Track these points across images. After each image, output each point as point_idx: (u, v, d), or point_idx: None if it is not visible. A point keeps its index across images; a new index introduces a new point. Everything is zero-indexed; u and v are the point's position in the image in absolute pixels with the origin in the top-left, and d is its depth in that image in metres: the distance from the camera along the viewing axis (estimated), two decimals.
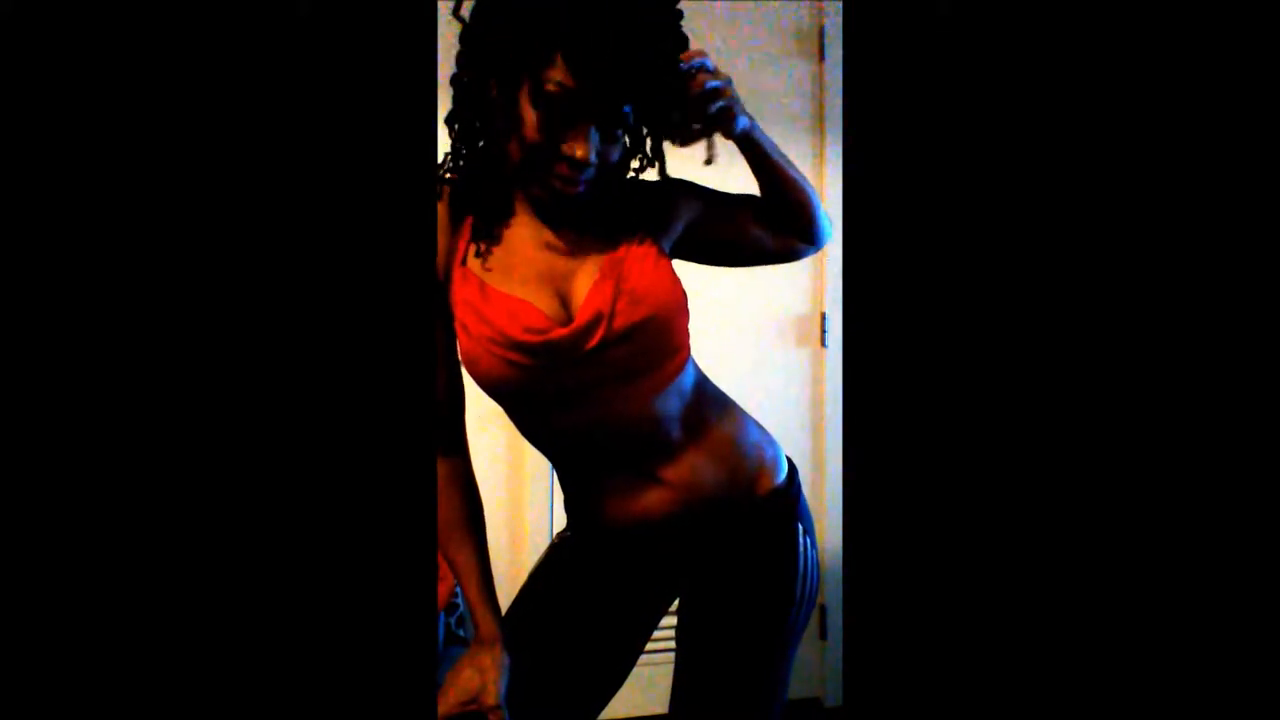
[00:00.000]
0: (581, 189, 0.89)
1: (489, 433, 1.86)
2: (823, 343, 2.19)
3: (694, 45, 0.90)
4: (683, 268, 0.98)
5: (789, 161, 1.01)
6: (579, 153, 0.86)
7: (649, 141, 0.95)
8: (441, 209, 0.96)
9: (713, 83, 0.87)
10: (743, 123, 0.93)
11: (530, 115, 0.86)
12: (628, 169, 0.98)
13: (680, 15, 0.88)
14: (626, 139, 0.92)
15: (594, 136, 0.86)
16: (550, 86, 0.84)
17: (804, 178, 1.02)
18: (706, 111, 0.88)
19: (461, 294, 0.93)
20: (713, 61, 0.89)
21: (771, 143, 0.99)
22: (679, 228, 1.01)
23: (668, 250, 1.00)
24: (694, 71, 0.87)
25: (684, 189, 1.03)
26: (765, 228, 1.04)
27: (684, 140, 0.93)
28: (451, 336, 0.96)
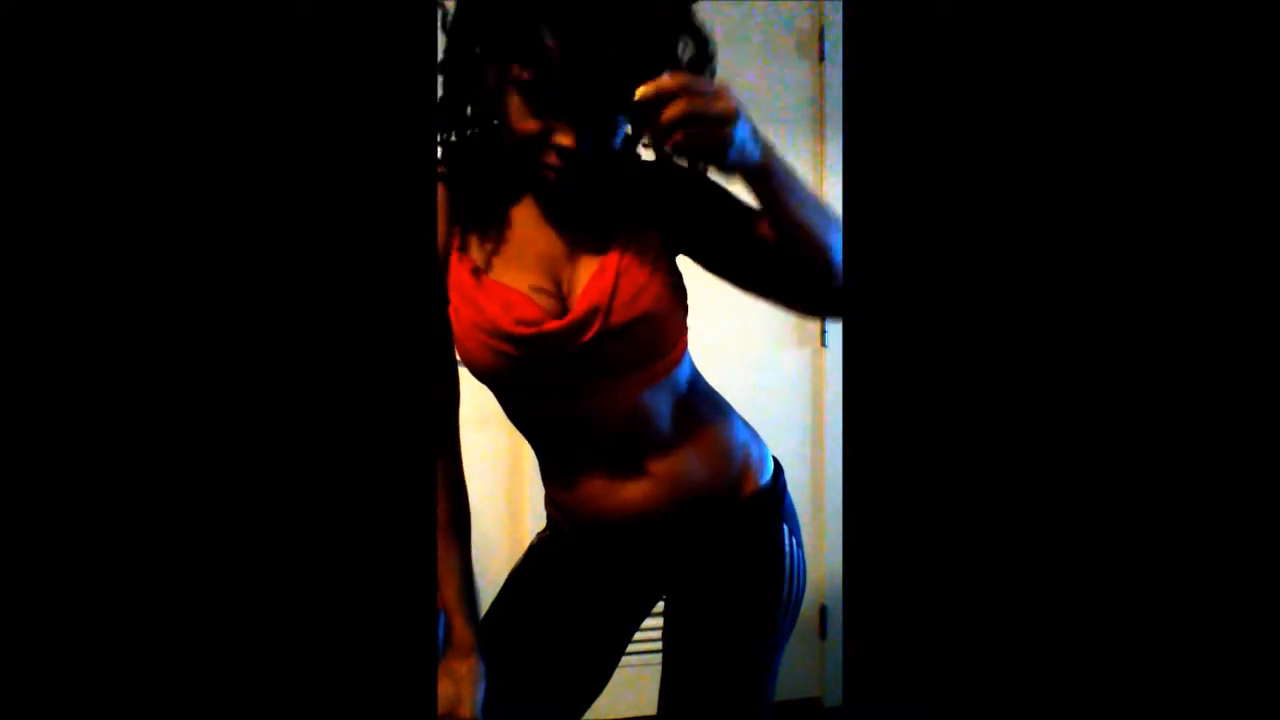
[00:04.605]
0: (574, 178, 0.83)
1: (489, 433, 1.86)
2: (823, 343, 2.19)
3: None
4: (683, 265, 0.97)
5: (817, 212, 0.82)
6: (566, 140, 0.79)
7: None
8: (440, 191, 0.92)
9: (696, 110, 0.71)
10: (744, 160, 0.75)
11: (516, 101, 0.79)
12: (633, 151, 0.92)
13: (688, 14, 0.80)
14: (628, 126, 0.85)
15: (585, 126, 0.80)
16: (528, 74, 0.77)
17: (829, 235, 0.82)
18: (671, 142, 0.72)
19: (456, 278, 0.90)
20: (708, 86, 0.73)
21: (793, 190, 0.81)
22: (685, 220, 0.94)
23: (672, 242, 0.94)
24: (663, 94, 0.71)
25: (697, 180, 0.93)
26: (768, 258, 0.88)
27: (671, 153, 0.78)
28: (448, 326, 0.91)
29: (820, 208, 0.84)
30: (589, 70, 0.76)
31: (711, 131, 0.73)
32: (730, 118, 0.73)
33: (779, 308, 0.96)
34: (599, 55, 0.75)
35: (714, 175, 0.85)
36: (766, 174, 0.79)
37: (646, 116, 0.73)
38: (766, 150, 0.78)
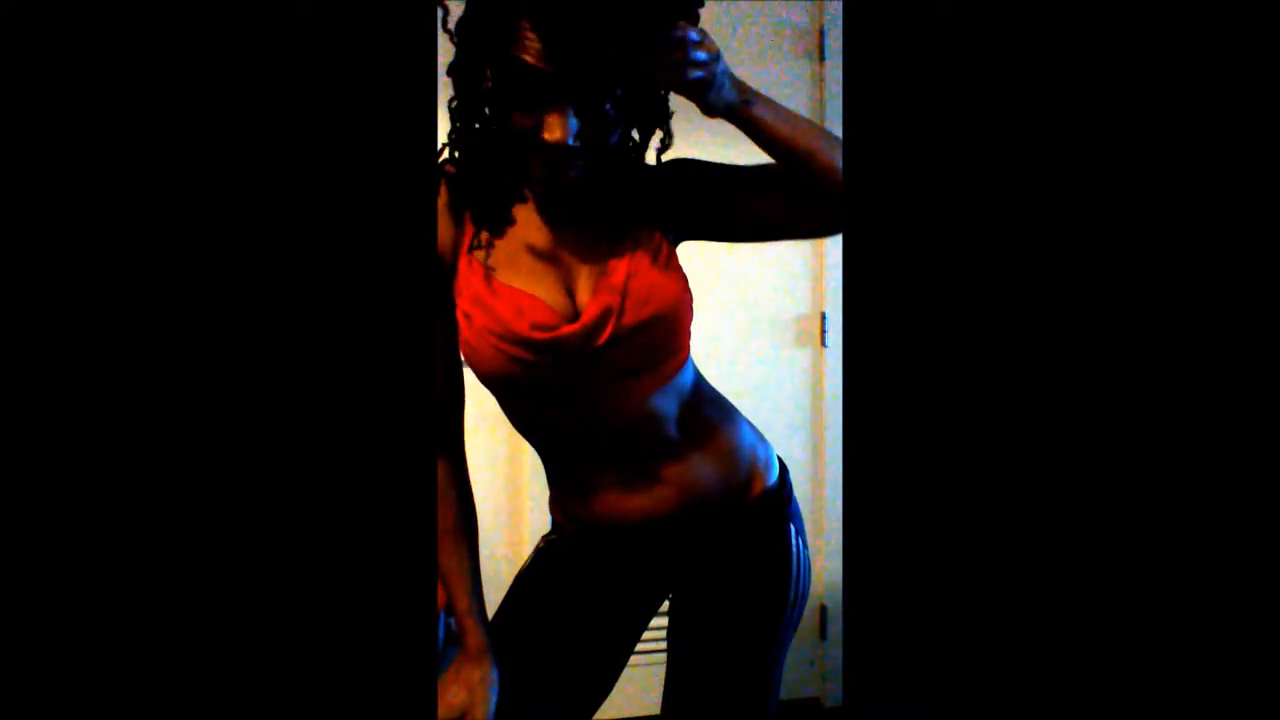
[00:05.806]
0: (571, 174, 0.84)
1: (488, 433, 1.86)
2: (823, 343, 2.19)
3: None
4: (683, 266, 0.97)
5: (807, 131, 0.87)
6: (553, 136, 0.80)
7: (649, 119, 0.90)
8: (445, 197, 0.92)
9: (698, 53, 0.78)
10: (722, 98, 0.82)
11: (513, 98, 0.81)
12: (633, 151, 0.93)
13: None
14: (618, 118, 0.85)
15: (572, 119, 0.81)
16: (516, 65, 0.78)
17: (827, 147, 0.86)
18: (675, 77, 0.79)
19: (466, 284, 0.90)
20: (699, 34, 0.80)
21: (778, 114, 0.86)
22: (686, 211, 0.96)
23: (676, 239, 0.96)
24: (673, 40, 0.78)
25: (687, 168, 0.96)
26: (774, 200, 0.92)
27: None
28: (454, 329, 0.92)
29: (810, 123, 0.89)
30: (583, 51, 0.78)
31: (700, 68, 0.79)
32: (714, 58, 0.80)
33: (800, 239, 1.00)
34: (593, 38, 0.77)
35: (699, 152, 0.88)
36: (746, 105, 0.84)
37: (651, 51, 0.79)
38: (742, 89, 0.84)
